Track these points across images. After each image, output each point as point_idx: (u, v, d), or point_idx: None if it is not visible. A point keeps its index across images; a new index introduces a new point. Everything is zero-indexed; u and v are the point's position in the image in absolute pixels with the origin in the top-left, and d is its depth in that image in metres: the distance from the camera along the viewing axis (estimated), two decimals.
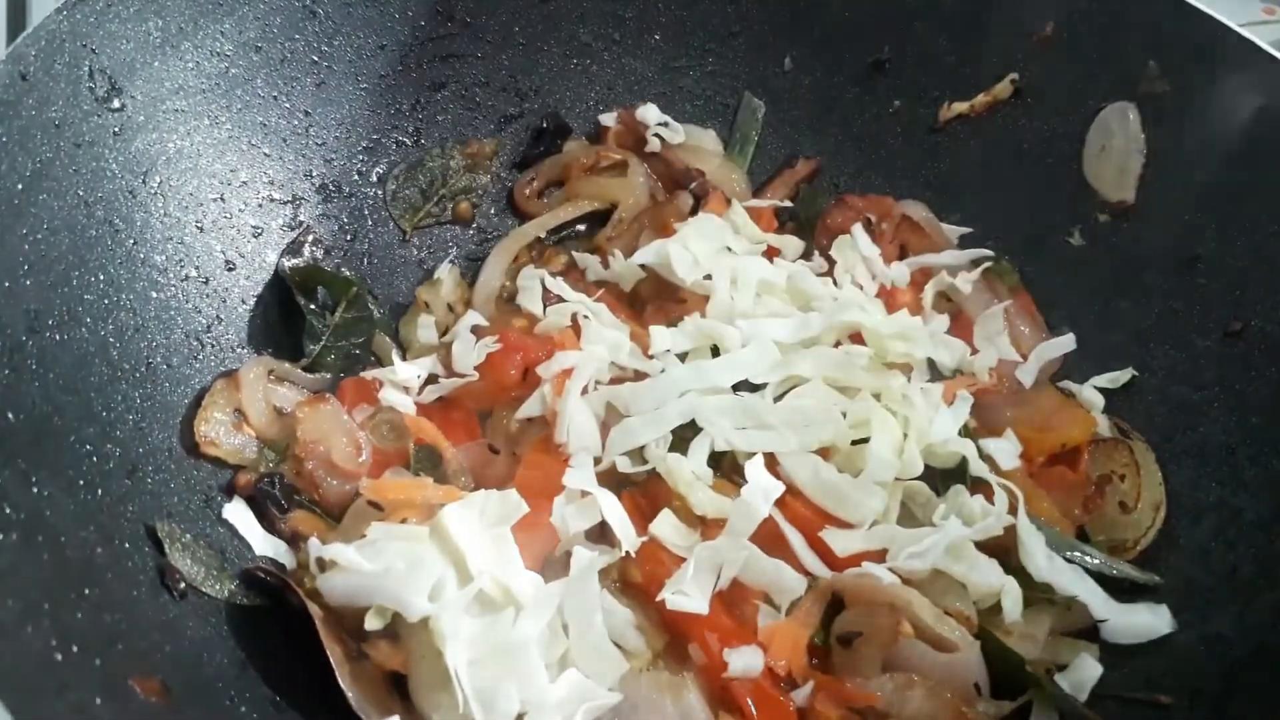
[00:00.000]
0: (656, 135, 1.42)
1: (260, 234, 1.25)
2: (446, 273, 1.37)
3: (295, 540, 1.12)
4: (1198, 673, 1.05)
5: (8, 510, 0.86)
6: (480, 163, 1.41)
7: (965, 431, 1.16)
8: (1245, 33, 1.17)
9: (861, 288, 1.30)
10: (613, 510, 1.05)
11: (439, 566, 0.98)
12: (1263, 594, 1.06)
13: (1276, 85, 1.15)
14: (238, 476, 1.13)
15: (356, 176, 1.34)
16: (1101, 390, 1.26)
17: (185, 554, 1.03)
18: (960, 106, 1.40)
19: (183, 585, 1.00)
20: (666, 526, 1.05)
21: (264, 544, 1.11)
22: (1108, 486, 1.19)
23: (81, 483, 0.97)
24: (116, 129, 1.10)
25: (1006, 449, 1.18)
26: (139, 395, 1.08)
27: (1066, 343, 1.30)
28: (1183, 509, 1.16)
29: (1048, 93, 1.34)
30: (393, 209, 1.36)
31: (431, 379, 1.24)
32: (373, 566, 0.98)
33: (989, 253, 1.35)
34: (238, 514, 1.11)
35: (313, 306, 1.24)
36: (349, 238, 1.33)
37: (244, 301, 1.22)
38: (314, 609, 0.99)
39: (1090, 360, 1.29)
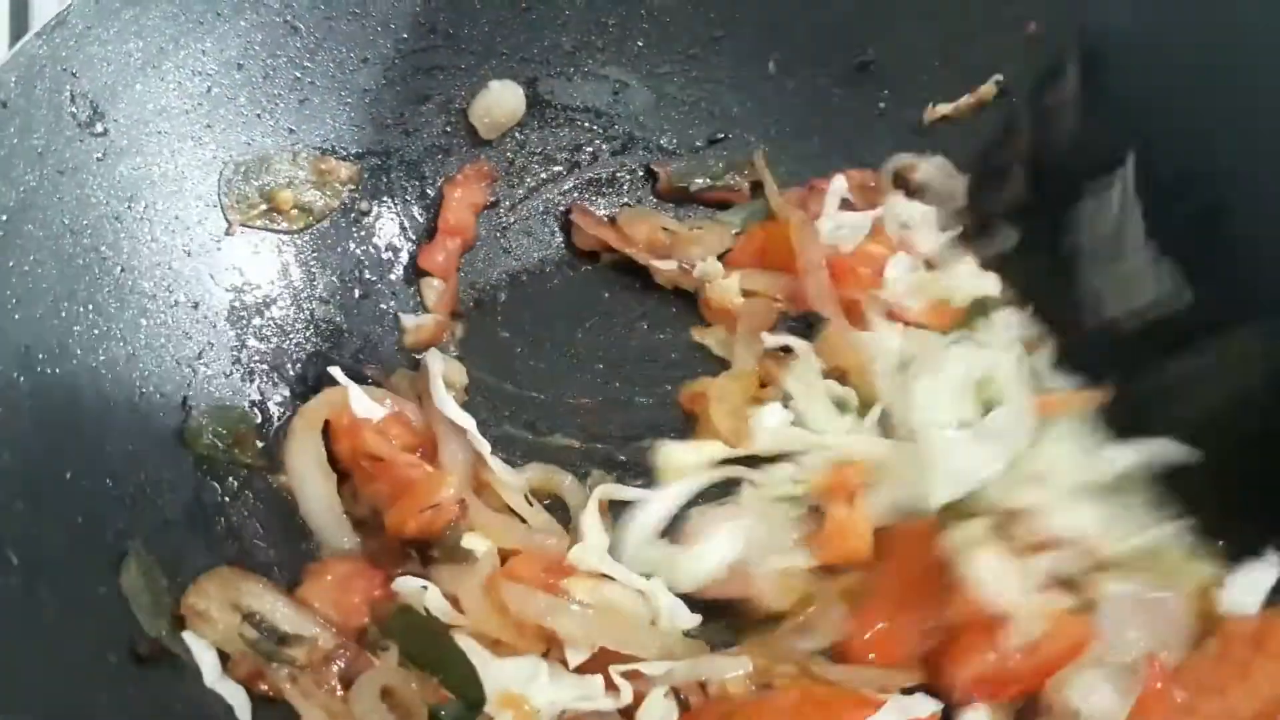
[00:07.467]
0: None
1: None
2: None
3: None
4: None
5: (9, 554, 0.85)
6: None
7: None
8: None
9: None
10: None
11: None
12: None
13: None
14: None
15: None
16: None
17: None
18: (945, 108, 1.40)
19: None
20: None
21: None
22: None
23: (80, 519, 0.96)
24: (100, 154, 1.08)
25: None
26: (133, 423, 1.06)
27: None
28: None
29: (1032, 93, 1.34)
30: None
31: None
32: None
33: None
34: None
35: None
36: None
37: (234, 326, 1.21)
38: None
39: None
